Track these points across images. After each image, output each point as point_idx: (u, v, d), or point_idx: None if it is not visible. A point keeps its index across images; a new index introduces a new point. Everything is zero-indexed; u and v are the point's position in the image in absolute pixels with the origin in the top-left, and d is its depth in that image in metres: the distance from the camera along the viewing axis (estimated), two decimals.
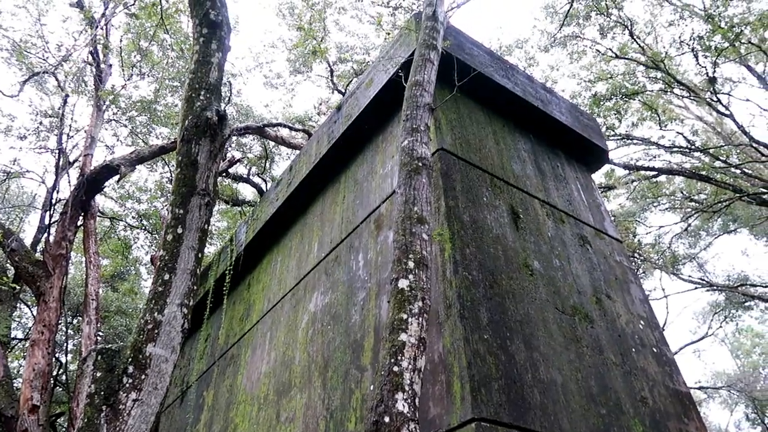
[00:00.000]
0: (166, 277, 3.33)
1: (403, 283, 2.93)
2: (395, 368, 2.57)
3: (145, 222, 16.68)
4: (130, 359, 3.03)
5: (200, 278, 9.39)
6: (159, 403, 2.99)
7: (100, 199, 15.20)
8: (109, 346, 3.12)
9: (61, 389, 15.75)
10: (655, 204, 17.63)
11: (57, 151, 11.98)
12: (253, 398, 6.31)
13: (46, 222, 11.45)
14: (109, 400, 2.86)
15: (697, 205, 17.03)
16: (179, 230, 3.53)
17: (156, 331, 3.14)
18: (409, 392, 2.50)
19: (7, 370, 8.79)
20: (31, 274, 8.73)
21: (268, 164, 17.28)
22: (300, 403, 5.25)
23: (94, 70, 13.15)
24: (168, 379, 3.08)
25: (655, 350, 5.07)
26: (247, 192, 18.79)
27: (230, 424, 6.56)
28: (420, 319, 2.80)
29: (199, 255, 3.56)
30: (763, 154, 13.62)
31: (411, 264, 3.03)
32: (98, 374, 2.95)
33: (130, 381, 2.95)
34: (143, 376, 2.99)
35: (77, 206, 10.12)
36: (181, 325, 3.25)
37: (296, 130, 13.15)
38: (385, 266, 4.92)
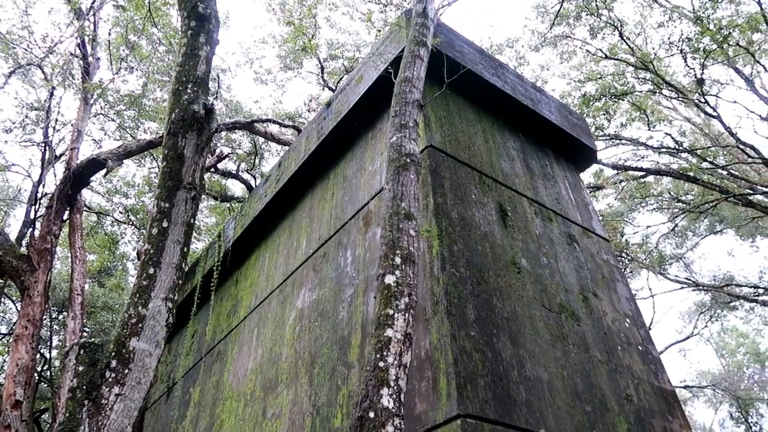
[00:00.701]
0: (151, 271, 3.30)
1: (389, 279, 2.92)
2: (381, 364, 2.56)
3: (132, 217, 16.55)
4: (113, 353, 3.00)
5: (188, 274, 9.35)
6: (142, 398, 2.96)
7: (87, 194, 15.08)
8: (92, 340, 3.08)
9: (45, 385, 15.61)
10: (642, 204, 17.75)
11: (43, 145, 11.85)
12: (239, 394, 6.28)
13: (32, 216, 11.31)
14: (91, 395, 2.83)
15: (684, 205, 17.17)
16: (165, 224, 3.49)
17: (140, 325, 3.11)
18: (395, 388, 2.50)
19: None
20: (16, 269, 8.62)
21: (257, 160, 17.21)
22: (286, 400, 5.23)
23: (81, 63, 13.00)
24: (152, 373, 3.05)
25: (640, 348, 5.10)
26: (236, 188, 18.71)
27: (216, 421, 6.53)
28: (406, 314, 2.79)
29: (185, 249, 3.52)
30: (749, 156, 13.76)
31: (398, 260, 3.02)
32: (80, 368, 2.92)
33: (113, 375, 2.92)
34: (126, 371, 2.96)
35: (63, 200, 10.01)
36: (165, 320, 3.22)
37: (286, 126, 13.09)
38: (373, 263, 4.91)
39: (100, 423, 2.78)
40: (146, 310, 3.16)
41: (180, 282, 3.41)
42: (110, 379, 2.91)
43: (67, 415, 2.77)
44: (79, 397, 2.83)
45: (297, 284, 6.22)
